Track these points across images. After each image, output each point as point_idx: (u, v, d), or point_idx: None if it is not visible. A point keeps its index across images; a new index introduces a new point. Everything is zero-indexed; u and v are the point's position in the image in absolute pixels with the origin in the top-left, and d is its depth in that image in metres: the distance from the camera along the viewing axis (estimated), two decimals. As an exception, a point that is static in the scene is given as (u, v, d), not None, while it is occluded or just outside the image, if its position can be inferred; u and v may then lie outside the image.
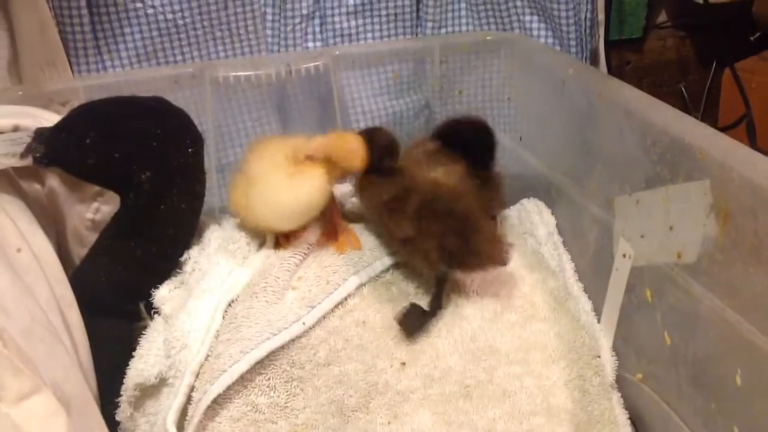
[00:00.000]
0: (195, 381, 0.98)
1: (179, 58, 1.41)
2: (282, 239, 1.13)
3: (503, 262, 1.05)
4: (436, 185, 1.08)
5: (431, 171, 1.12)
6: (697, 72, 1.83)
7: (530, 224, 1.35)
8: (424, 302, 1.09)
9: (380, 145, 1.07)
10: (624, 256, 1.08)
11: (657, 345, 1.00)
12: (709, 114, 1.85)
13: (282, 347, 0.99)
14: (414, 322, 1.07)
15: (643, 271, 1.03)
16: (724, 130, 1.26)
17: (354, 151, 1.05)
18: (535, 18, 1.51)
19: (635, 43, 1.75)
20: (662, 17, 1.76)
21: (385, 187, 1.07)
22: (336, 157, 1.05)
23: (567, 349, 1.10)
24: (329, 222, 1.16)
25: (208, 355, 0.99)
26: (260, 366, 0.97)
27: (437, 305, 1.09)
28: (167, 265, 1.13)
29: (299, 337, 1.00)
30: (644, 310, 1.03)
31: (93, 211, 1.16)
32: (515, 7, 1.51)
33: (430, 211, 1.03)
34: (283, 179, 1.06)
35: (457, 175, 1.13)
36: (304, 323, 1.01)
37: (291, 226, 1.11)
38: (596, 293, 1.19)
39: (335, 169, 1.07)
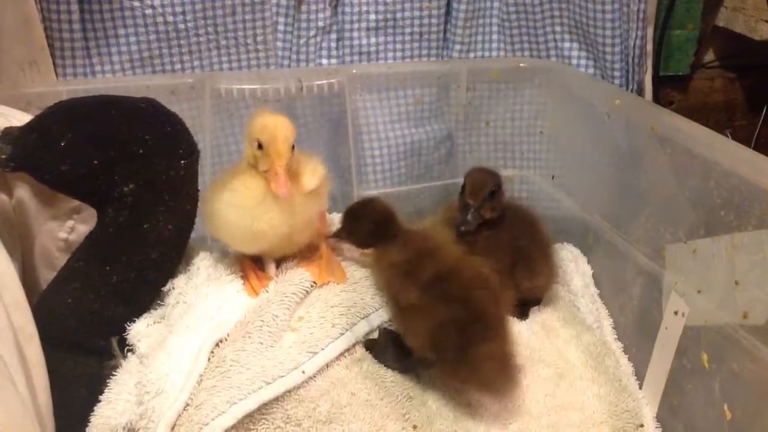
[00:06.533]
0: (170, 435, 0.89)
1: (178, 66, 1.33)
2: (251, 277, 1.06)
3: (503, 392, 0.97)
4: (458, 255, 1.00)
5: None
6: (745, 117, 1.77)
7: (564, 274, 1.28)
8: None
9: (369, 221, 1.03)
10: (676, 313, 1.01)
11: (713, 419, 0.93)
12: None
13: (276, 399, 0.92)
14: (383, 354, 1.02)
15: (699, 332, 0.97)
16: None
17: (260, 124, 0.98)
18: (575, 45, 1.43)
19: (681, 81, 1.69)
20: (710, 56, 1.70)
21: (396, 250, 1.00)
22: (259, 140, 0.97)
23: (607, 413, 1.02)
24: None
25: (187, 404, 0.90)
26: (249, 420, 0.90)
27: (405, 368, 1.01)
28: (147, 295, 1.06)
29: (297, 387, 0.94)
30: (699, 377, 0.97)
31: (67, 230, 1.09)
32: (553, 32, 1.43)
33: (442, 286, 0.94)
34: (224, 201, 0.99)
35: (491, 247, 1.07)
36: (303, 372, 0.94)
37: (264, 245, 1.03)
38: (639, 354, 1.12)
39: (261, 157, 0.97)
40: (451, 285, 0.95)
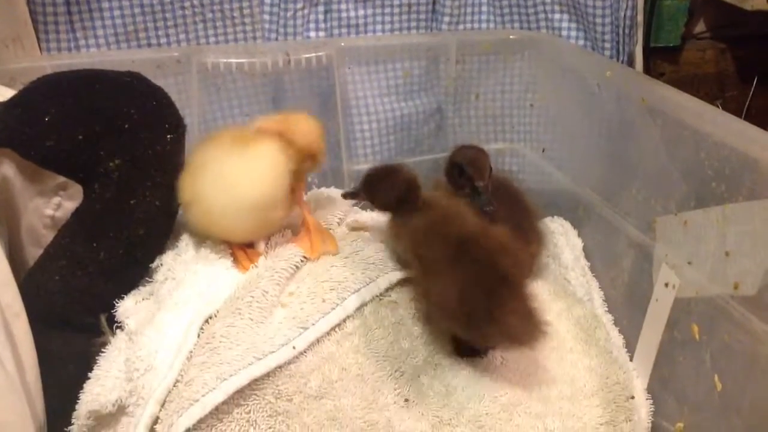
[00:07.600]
0: (160, 411, 0.88)
1: (163, 40, 1.32)
2: (239, 254, 1.04)
3: (531, 344, 0.94)
4: (481, 221, 0.98)
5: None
6: (736, 88, 1.77)
7: (554, 247, 1.27)
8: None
9: (400, 188, 1.00)
10: (666, 285, 1.00)
11: (704, 390, 0.93)
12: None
13: (267, 375, 0.90)
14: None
15: (689, 304, 0.96)
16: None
17: (307, 130, 1.01)
18: (565, 16, 1.42)
19: (672, 53, 1.68)
20: (701, 27, 1.69)
21: (419, 218, 0.97)
22: (289, 134, 0.99)
23: (598, 385, 1.02)
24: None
25: (177, 381, 0.89)
26: (240, 396, 0.89)
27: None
28: (135, 271, 1.04)
29: (288, 363, 0.92)
30: (689, 349, 0.96)
31: (53, 206, 1.06)
32: (543, 3, 1.42)
33: (467, 247, 0.92)
34: (234, 158, 0.98)
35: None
36: (294, 347, 0.93)
37: (250, 222, 1.01)
38: (629, 327, 1.12)
39: (291, 148, 0.99)
40: (476, 248, 0.92)
